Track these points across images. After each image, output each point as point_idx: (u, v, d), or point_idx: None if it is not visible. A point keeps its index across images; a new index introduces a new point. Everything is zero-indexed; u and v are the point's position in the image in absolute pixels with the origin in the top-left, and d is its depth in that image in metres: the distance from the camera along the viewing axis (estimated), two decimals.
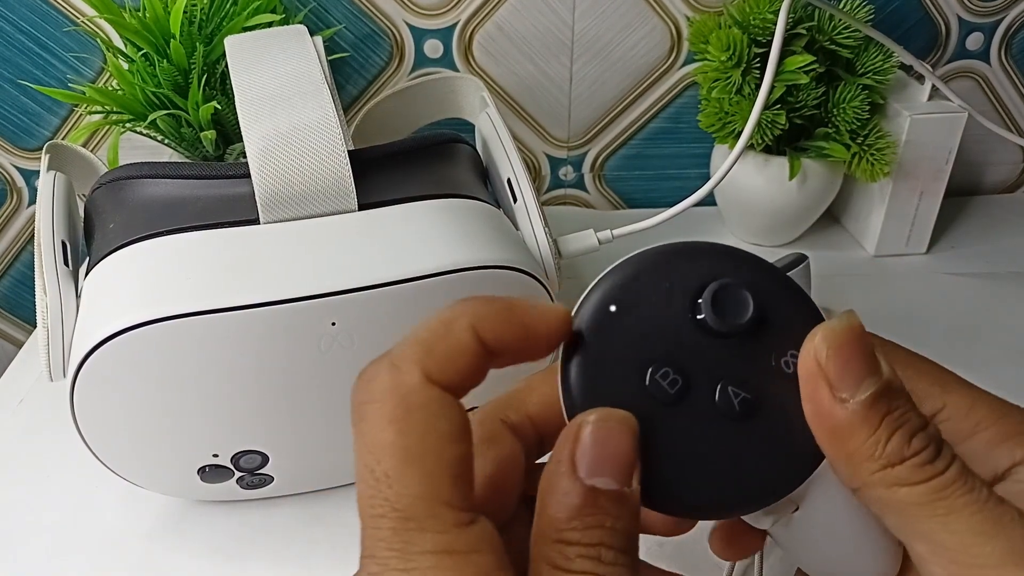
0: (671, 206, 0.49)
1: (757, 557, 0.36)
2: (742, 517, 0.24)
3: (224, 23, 0.51)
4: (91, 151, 0.51)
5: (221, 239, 0.36)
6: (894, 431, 0.20)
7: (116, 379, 0.34)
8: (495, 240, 0.38)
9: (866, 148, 0.57)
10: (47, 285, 0.37)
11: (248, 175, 0.36)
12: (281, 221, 0.37)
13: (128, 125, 0.51)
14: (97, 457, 0.38)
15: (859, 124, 0.57)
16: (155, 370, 0.34)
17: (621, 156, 0.70)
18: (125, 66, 0.51)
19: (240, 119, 0.37)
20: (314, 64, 0.39)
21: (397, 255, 0.36)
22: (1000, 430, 0.22)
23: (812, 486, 0.22)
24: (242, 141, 0.37)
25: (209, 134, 0.49)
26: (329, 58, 0.61)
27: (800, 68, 0.54)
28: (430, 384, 0.19)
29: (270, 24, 0.51)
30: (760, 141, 0.57)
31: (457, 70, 0.65)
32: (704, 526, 0.25)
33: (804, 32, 0.56)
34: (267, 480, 0.41)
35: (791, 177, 0.58)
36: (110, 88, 0.51)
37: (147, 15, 0.50)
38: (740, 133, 0.53)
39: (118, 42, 0.56)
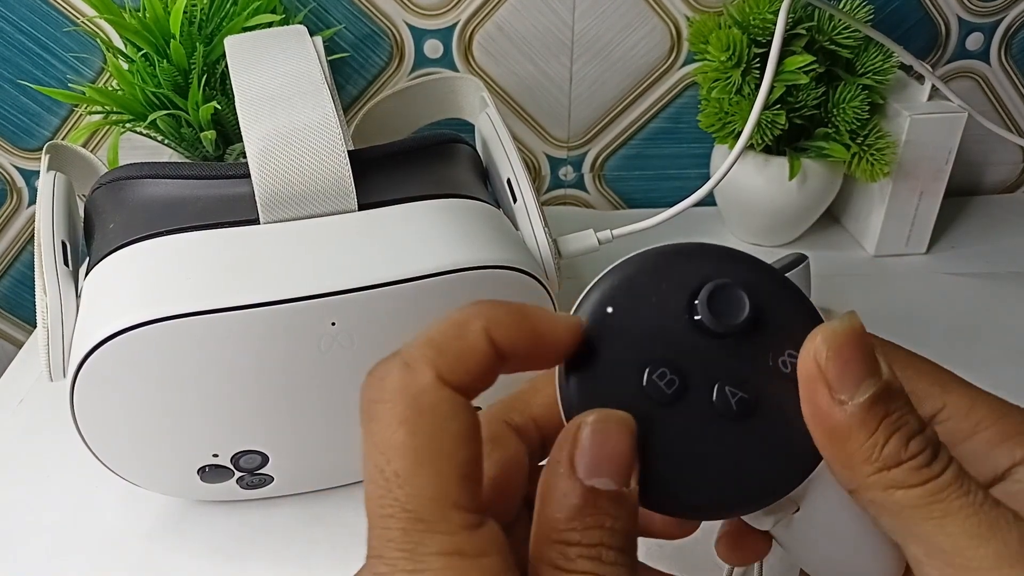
0: (671, 206, 0.49)
1: None
2: (742, 518, 0.24)
3: (224, 23, 0.51)
4: (91, 151, 0.52)
5: (221, 239, 0.36)
6: (892, 434, 0.20)
7: (116, 379, 0.34)
8: (495, 240, 0.38)
9: (866, 148, 0.57)
10: (47, 285, 0.37)
11: (248, 175, 0.36)
12: (281, 221, 0.37)
13: (128, 125, 0.51)
14: (97, 457, 0.38)
15: (859, 124, 0.57)
16: (155, 370, 0.34)
17: (621, 156, 0.70)
18: (125, 66, 0.51)
19: (240, 119, 0.37)
20: (314, 64, 0.39)
21: (397, 255, 0.36)
22: (1000, 430, 0.22)
23: (812, 486, 0.22)
24: (242, 141, 0.37)
25: (209, 134, 0.49)
26: (329, 58, 0.61)
27: (800, 68, 0.54)
28: (442, 385, 0.19)
29: (270, 24, 0.51)
30: (760, 141, 0.57)
31: (457, 70, 0.65)
32: (706, 527, 0.25)
33: (804, 32, 0.56)
34: (267, 480, 0.41)
35: (791, 177, 0.58)
36: (110, 88, 0.51)
37: (147, 15, 0.50)
38: (740, 133, 0.53)
39: (118, 42, 0.56)
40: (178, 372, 0.35)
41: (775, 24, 0.53)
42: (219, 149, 0.51)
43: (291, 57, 0.40)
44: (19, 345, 0.72)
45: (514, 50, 0.65)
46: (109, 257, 0.36)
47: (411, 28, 0.63)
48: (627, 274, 0.22)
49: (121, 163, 0.43)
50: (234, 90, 0.38)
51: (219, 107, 0.49)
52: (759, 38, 0.56)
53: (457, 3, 0.62)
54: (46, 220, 0.39)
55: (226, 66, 0.44)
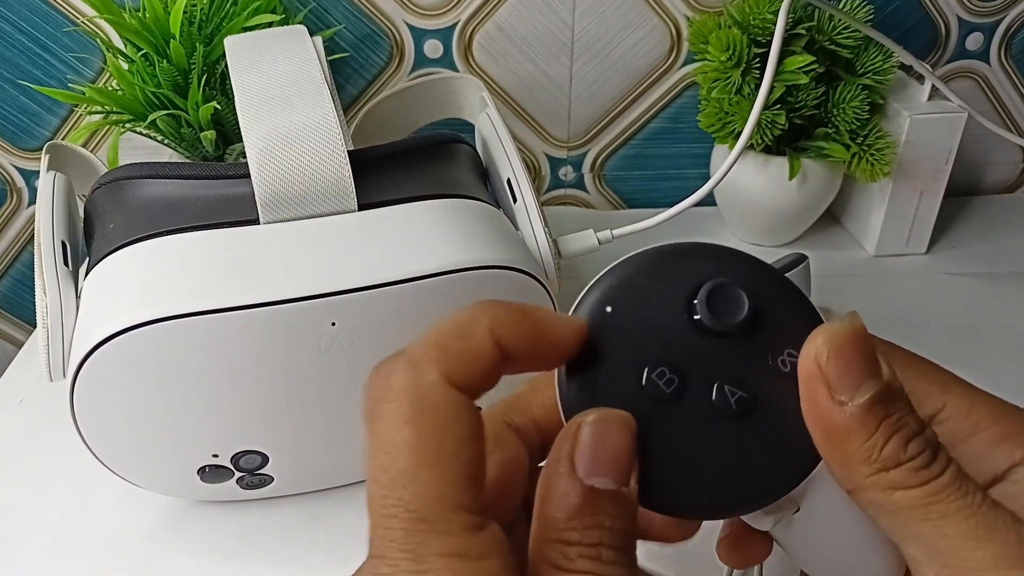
0: (671, 206, 0.49)
1: None
2: (742, 518, 0.24)
3: (224, 23, 0.51)
4: (91, 151, 0.52)
5: (221, 239, 0.36)
6: (891, 435, 0.20)
7: (116, 379, 0.34)
8: (495, 240, 0.38)
9: (866, 148, 0.57)
10: (47, 285, 0.37)
11: (248, 175, 0.36)
12: (281, 221, 0.37)
13: (128, 125, 0.51)
14: (97, 457, 0.38)
15: (859, 124, 0.57)
16: (155, 370, 0.34)
17: (621, 156, 0.70)
18: (125, 66, 0.51)
19: (240, 119, 0.37)
20: (314, 64, 0.39)
21: (397, 255, 0.36)
22: (1000, 430, 0.22)
23: (813, 487, 0.22)
24: (242, 141, 0.37)
25: (209, 134, 0.49)
26: (329, 58, 0.61)
27: (800, 68, 0.54)
28: (448, 385, 0.19)
29: (270, 24, 0.51)
30: (760, 141, 0.57)
31: (457, 70, 0.65)
32: (707, 529, 0.25)
33: (804, 32, 0.56)
34: (267, 480, 0.41)
35: (791, 177, 0.58)
36: (110, 88, 0.51)
37: (147, 15, 0.50)
38: (740, 133, 0.53)
39: (118, 42, 0.56)
40: (178, 372, 0.35)
41: (775, 24, 0.53)
42: (219, 149, 0.51)
43: (291, 57, 0.40)
44: (19, 345, 0.72)
45: (514, 50, 0.65)
46: (109, 257, 0.36)
47: (411, 28, 0.63)
48: (626, 274, 0.22)
49: (121, 163, 0.43)
50: (234, 90, 0.38)
51: (219, 107, 0.49)
52: (759, 38, 0.56)
53: (457, 3, 0.62)
54: (46, 220, 0.39)
55: (226, 66, 0.44)
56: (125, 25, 0.49)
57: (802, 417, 0.21)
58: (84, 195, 0.43)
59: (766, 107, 0.55)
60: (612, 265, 0.22)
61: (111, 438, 0.37)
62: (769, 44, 0.54)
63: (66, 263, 0.39)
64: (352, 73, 0.65)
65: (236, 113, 0.37)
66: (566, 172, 0.71)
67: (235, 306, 0.34)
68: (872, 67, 0.57)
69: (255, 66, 0.39)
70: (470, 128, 0.53)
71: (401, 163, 0.40)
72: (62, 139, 0.65)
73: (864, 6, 0.58)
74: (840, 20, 0.57)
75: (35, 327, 0.61)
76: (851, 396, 0.20)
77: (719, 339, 0.21)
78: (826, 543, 0.23)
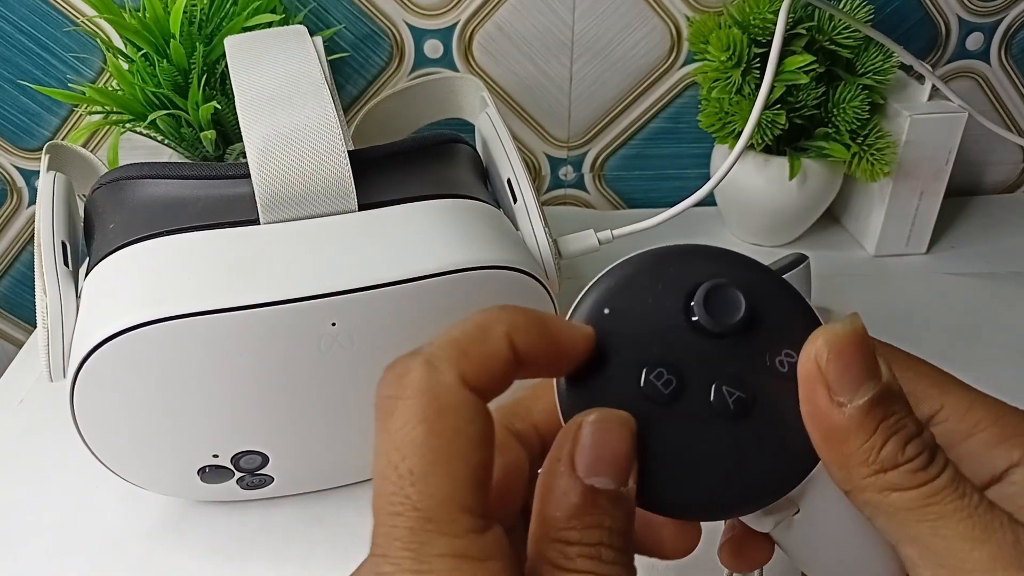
0: (671, 206, 0.49)
1: None
2: (742, 519, 0.24)
3: (224, 23, 0.51)
4: (91, 151, 0.52)
5: (221, 239, 0.36)
6: (889, 437, 0.20)
7: (116, 379, 0.34)
8: (495, 240, 0.38)
9: (866, 148, 0.57)
10: (47, 285, 0.37)
11: (248, 175, 0.36)
12: (281, 221, 0.37)
13: (128, 125, 0.51)
14: (97, 457, 0.38)
15: (859, 124, 0.57)
16: (155, 370, 0.34)
17: (621, 156, 0.70)
18: (125, 66, 0.51)
19: (240, 119, 0.37)
20: (314, 64, 0.39)
21: (397, 255, 0.36)
22: (998, 432, 0.22)
23: (813, 488, 0.22)
24: (242, 141, 0.37)
25: (209, 134, 0.49)
26: (329, 58, 0.61)
27: (800, 68, 0.54)
28: (464, 387, 0.19)
29: (270, 24, 0.51)
30: (760, 141, 0.57)
31: (457, 70, 0.65)
32: (707, 532, 0.25)
33: (804, 32, 0.56)
34: (267, 480, 0.41)
35: (791, 177, 0.58)
36: (110, 88, 0.51)
37: (147, 15, 0.50)
38: (740, 133, 0.53)
39: (118, 42, 0.56)
40: (178, 372, 0.35)
41: (775, 24, 0.53)
42: (219, 149, 0.52)
43: (291, 57, 0.40)
44: (19, 345, 0.72)
45: (514, 50, 0.65)
46: (109, 257, 0.36)
47: (411, 28, 0.63)
48: (624, 275, 0.22)
49: (121, 163, 0.43)
50: (234, 90, 0.38)
51: (219, 107, 0.49)
52: (759, 38, 0.56)
53: (457, 3, 0.62)
54: (46, 220, 0.39)
55: (226, 66, 0.44)
56: (125, 25, 0.49)
57: (800, 418, 0.21)
58: (84, 195, 0.43)
59: (766, 107, 0.55)
60: (610, 267, 0.22)
61: (111, 438, 0.37)
62: (769, 44, 0.54)
63: (66, 263, 0.39)
64: (352, 73, 0.65)
65: (236, 113, 0.37)
66: (566, 172, 0.71)
67: (235, 306, 0.34)
68: (872, 67, 0.57)
69: (255, 66, 0.39)
70: (470, 128, 0.53)
71: (401, 163, 0.40)
72: (62, 139, 0.65)
73: (864, 6, 0.58)
74: (840, 20, 0.57)
75: (35, 327, 0.61)
76: (850, 397, 0.20)
77: (717, 340, 0.21)
78: (826, 544, 0.23)
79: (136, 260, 0.36)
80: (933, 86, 0.58)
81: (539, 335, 0.20)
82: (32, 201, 0.68)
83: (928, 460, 0.20)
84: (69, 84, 0.63)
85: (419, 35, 0.64)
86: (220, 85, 0.51)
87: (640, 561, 0.21)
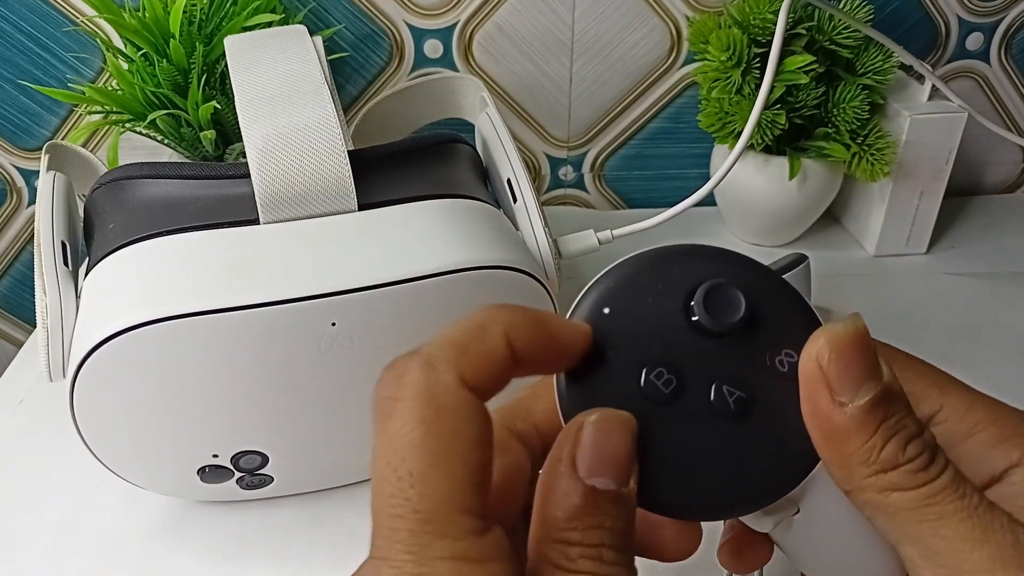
0: (671, 206, 0.49)
1: None
2: (743, 519, 0.24)
3: (224, 23, 0.51)
4: (91, 151, 0.51)
5: (221, 239, 0.36)
6: (890, 437, 0.20)
7: (116, 379, 0.34)
8: (495, 240, 0.38)
9: (866, 148, 0.57)
10: (47, 285, 0.37)
11: (248, 175, 0.36)
12: (281, 221, 0.37)
13: (128, 125, 0.51)
14: (97, 457, 0.38)
15: (859, 124, 0.57)
16: (155, 370, 0.34)
17: (621, 156, 0.70)
18: (125, 66, 0.51)
19: (240, 119, 0.37)
20: (314, 64, 0.39)
21: (397, 255, 0.36)
22: (997, 432, 0.22)
23: (813, 488, 0.22)
24: (242, 141, 0.37)
25: (209, 134, 0.49)
26: (329, 58, 0.61)
27: (800, 68, 0.54)
28: (463, 387, 0.19)
29: (270, 24, 0.51)
30: (760, 141, 0.57)
31: (457, 70, 0.65)
32: (708, 534, 0.25)
33: (804, 32, 0.56)
34: (267, 480, 0.41)
35: (791, 177, 0.58)
36: (110, 88, 0.51)
37: (147, 15, 0.50)
38: (740, 133, 0.53)
39: (118, 42, 0.56)
40: (178, 372, 0.35)
41: (775, 24, 0.53)
42: (219, 149, 0.52)
43: (291, 57, 0.40)
44: (19, 345, 0.72)
45: (514, 50, 0.65)
46: (109, 257, 0.36)
47: (411, 28, 0.63)
48: (624, 275, 0.22)
49: (121, 163, 0.43)
50: (234, 90, 0.38)
51: (219, 107, 0.49)
52: (759, 38, 0.56)
53: (457, 3, 0.62)
54: (46, 220, 0.39)
55: (226, 66, 0.44)
56: (125, 25, 0.49)
57: (801, 417, 0.21)
58: (84, 195, 0.43)
59: (766, 107, 0.55)
60: (609, 267, 0.22)
61: (111, 438, 0.37)
62: (769, 44, 0.54)
63: (66, 263, 0.39)
64: (352, 73, 0.65)
65: (236, 113, 0.37)
66: (566, 172, 0.71)
67: (235, 306, 0.34)
68: (872, 67, 0.57)
69: (255, 66, 0.39)
70: (470, 128, 0.53)
71: (401, 163, 0.40)
72: (62, 139, 0.65)
73: (864, 6, 0.58)
74: (840, 20, 0.57)
75: (35, 327, 0.61)
76: (851, 397, 0.20)
77: (717, 339, 0.21)
78: (826, 544, 0.23)
79: (136, 260, 0.36)
80: (933, 86, 0.58)
81: (537, 333, 0.20)
82: (32, 201, 0.68)
83: (929, 460, 0.20)
84: (69, 84, 0.63)
85: (419, 35, 0.64)
86: (220, 85, 0.51)
87: (640, 562, 0.21)
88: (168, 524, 0.42)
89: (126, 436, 0.37)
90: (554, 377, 0.22)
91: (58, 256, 0.38)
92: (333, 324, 0.35)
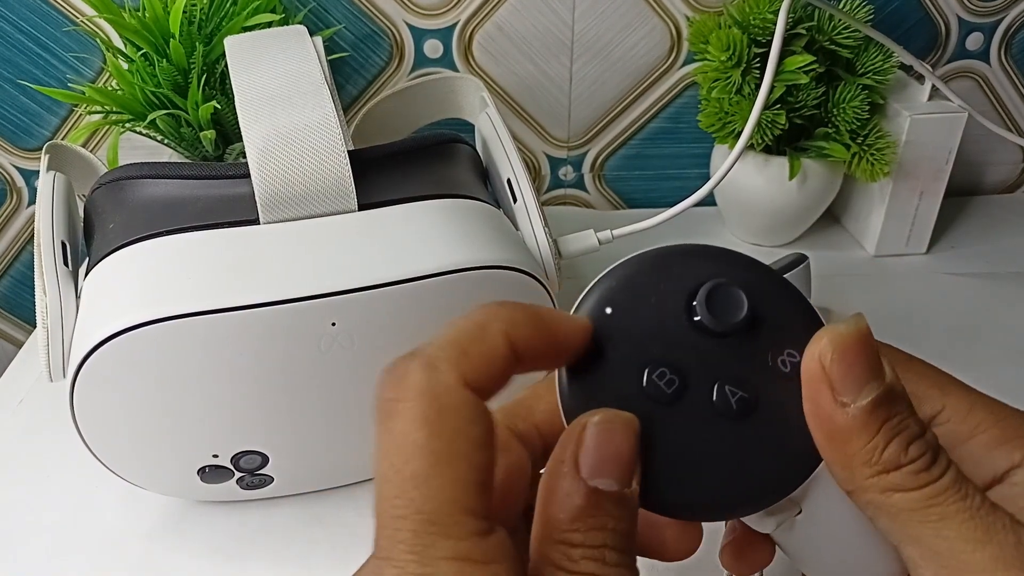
0: (671, 206, 0.49)
1: None
2: (744, 520, 0.24)
3: (224, 23, 0.51)
4: (91, 151, 0.51)
5: (221, 239, 0.36)
6: (892, 438, 0.20)
7: (116, 379, 0.34)
8: (495, 240, 0.38)
9: (866, 148, 0.57)
10: (47, 285, 0.37)
11: (248, 175, 0.36)
12: (281, 221, 0.37)
13: (128, 125, 0.51)
14: (97, 457, 0.38)
15: (859, 124, 0.57)
16: (155, 370, 0.34)
17: (621, 156, 0.70)
18: (125, 66, 0.51)
19: (240, 119, 0.37)
20: (314, 64, 0.39)
21: (397, 255, 0.36)
22: (998, 433, 0.22)
23: (815, 488, 0.22)
24: (242, 141, 0.37)
25: (209, 134, 0.49)
26: (329, 58, 0.61)
27: (800, 68, 0.54)
28: (464, 387, 0.19)
29: (270, 24, 0.51)
30: (760, 141, 0.57)
31: (457, 70, 0.65)
32: (709, 535, 0.25)
33: (804, 32, 0.56)
34: (267, 480, 0.41)
35: (791, 177, 0.58)
36: (110, 88, 0.51)
37: (147, 15, 0.50)
38: (740, 133, 0.53)
39: (118, 42, 0.56)
40: (178, 372, 0.35)
41: (775, 24, 0.53)
42: (219, 149, 0.51)
43: (291, 57, 0.40)
44: (19, 345, 0.72)
45: (514, 50, 0.65)
46: (109, 257, 0.36)
47: (411, 28, 0.63)
48: (626, 275, 0.22)
49: (121, 163, 0.43)
50: (234, 90, 0.38)
51: (219, 107, 0.48)
52: (759, 38, 0.56)
53: (457, 3, 0.62)
54: (46, 220, 0.39)
55: (226, 66, 0.44)
56: (125, 25, 0.49)
57: (803, 417, 0.21)
58: (84, 195, 0.43)
59: (766, 107, 0.55)
60: (612, 267, 0.22)
61: (111, 438, 0.37)
62: (769, 44, 0.54)
63: (66, 263, 0.39)
64: (352, 73, 0.65)
65: (236, 113, 0.37)
66: (566, 172, 0.71)
67: (235, 306, 0.34)
68: (872, 67, 0.57)
69: (255, 66, 0.39)
70: (470, 128, 0.53)
71: (401, 163, 0.40)
72: (62, 139, 0.65)
73: (864, 6, 0.58)
74: (840, 20, 0.57)
75: (35, 327, 0.61)
76: (854, 398, 0.20)
77: (719, 339, 0.21)
78: (828, 545, 0.23)
79: (136, 260, 0.36)
80: (933, 86, 0.58)
81: (536, 330, 0.20)
82: (32, 201, 0.68)
83: (931, 461, 0.20)
84: (69, 84, 0.63)
85: (419, 35, 0.64)
86: (220, 85, 0.51)
87: (641, 563, 0.21)
88: (168, 524, 0.42)
89: (126, 436, 0.37)
90: (556, 377, 0.22)
91: (58, 256, 0.38)
92: (333, 324, 0.35)
